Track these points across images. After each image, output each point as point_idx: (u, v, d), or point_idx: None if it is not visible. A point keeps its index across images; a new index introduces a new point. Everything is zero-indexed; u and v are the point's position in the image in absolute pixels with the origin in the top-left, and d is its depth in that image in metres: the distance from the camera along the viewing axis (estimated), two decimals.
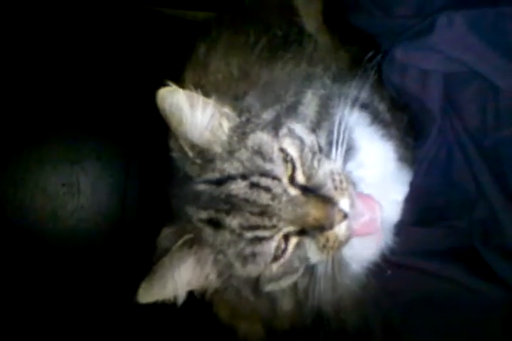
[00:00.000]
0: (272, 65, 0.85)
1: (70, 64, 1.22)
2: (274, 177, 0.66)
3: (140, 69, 1.28)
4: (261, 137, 0.68)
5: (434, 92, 0.78)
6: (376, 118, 0.82)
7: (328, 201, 0.66)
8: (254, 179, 0.65)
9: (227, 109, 0.70)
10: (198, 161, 0.69)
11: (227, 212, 0.67)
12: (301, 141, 0.69)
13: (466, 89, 0.76)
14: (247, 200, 0.66)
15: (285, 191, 0.66)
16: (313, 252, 0.69)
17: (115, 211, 1.28)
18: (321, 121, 0.72)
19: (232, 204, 0.66)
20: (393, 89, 0.84)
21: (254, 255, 0.67)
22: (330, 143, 0.70)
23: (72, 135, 1.25)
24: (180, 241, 0.69)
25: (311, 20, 1.00)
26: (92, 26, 1.25)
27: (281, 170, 0.67)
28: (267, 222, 0.66)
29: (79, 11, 1.25)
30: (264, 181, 0.65)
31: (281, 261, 0.68)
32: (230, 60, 0.88)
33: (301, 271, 0.70)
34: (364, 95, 0.83)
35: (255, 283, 0.70)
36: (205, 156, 0.69)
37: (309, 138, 0.70)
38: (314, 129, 0.71)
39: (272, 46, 0.91)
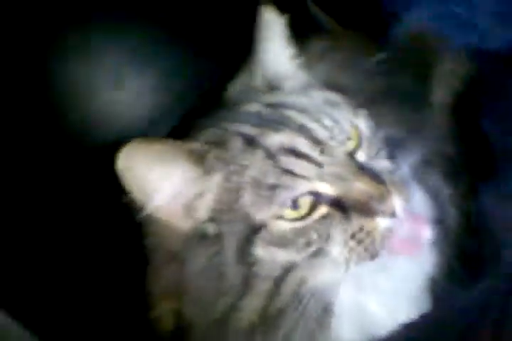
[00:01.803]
0: None
1: None
2: (339, 127, 0.60)
3: None
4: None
5: None
6: None
7: (382, 183, 0.57)
8: (320, 117, 0.60)
9: None
10: (264, 88, 0.66)
11: (275, 130, 0.58)
12: (374, 130, 0.64)
13: None
14: (303, 128, 0.58)
15: (344, 144, 0.59)
16: (338, 235, 0.57)
17: None
18: None
19: (286, 125, 0.58)
20: None
21: (273, 188, 0.55)
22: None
23: None
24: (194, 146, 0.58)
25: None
26: None
27: (347, 126, 0.61)
28: (314, 153, 0.57)
29: None
30: (329, 123, 0.59)
31: (301, 223, 0.56)
32: None
33: (312, 248, 0.56)
34: None
35: (247, 240, 0.56)
36: (271, 86, 0.66)
37: (379, 137, 0.65)
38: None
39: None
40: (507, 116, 0.80)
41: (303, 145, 0.57)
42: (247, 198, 0.56)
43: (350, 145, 0.60)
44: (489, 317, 0.59)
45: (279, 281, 0.57)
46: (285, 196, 0.55)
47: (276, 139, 0.57)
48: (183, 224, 0.58)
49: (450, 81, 0.89)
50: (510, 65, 0.83)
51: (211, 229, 0.57)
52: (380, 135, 0.64)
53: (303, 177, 0.56)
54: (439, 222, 0.68)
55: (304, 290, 0.57)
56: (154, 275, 0.63)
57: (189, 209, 0.58)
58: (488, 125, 0.79)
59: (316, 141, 0.57)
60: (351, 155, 0.60)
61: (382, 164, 0.62)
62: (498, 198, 0.70)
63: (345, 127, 0.60)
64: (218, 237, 0.57)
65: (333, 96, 0.64)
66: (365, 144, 0.62)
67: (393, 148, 0.65)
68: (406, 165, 0.63)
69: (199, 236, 0.58)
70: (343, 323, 0.62)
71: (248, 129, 0.59)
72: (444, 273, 0.69)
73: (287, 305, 0.58)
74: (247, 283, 0.57)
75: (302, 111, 0.60)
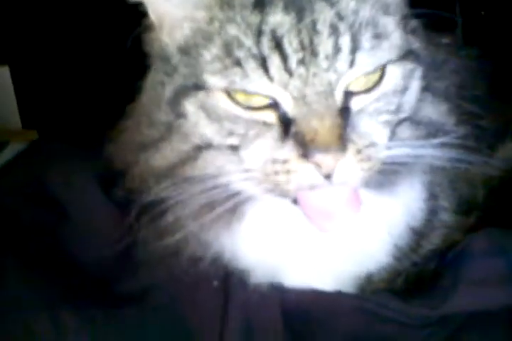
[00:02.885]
0: None
1: None
2: (356, 57, 0.51)
3: None
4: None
5: None
6: None
7: (342, 141, 0.49)
8: (344, 34, 0.50)
9: None
10: None
11: (285, 10, 0.50)
12: (402, 90, 0.55)
13: None
14: (314, 27, 0.50)
15: (341, 75, 0.51)
16: (262, 149, 0.52)
17: None
18: None
19: (301, 13, 0.50)
20: None
21: (235, 64, 0.50)
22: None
23: None
24: None
25: None
26: None
27: (371, 62, 0.52)
28: (293, 56, 0.49)
29: None
30: (346, 44, 0.50)
31: (240, 112, 0.52)
32: None
33: (231, 140, 0.53)
34: None
35: (186, 90, 0.54)
36: None
37: (402, 102, 0.56)
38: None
39: None
40: None
41: (292, 41, 0.49)
42: (211, 53, 0.52)
43: (360, 83, 0.52)
44: None
45: (195, 151, 0.56)
46: (238, 80, 0.50)
47: (277, 19, 0.50)
48: (166, 39, 0.58)
49: None
50: None
51: (175, 59, 0.56)
52: (405, 99, 0.56)
53: (267, 74, 0.50)
54: (416, 232, 0.66)
55: (215, 176, 0.55)
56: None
57: (173, 26, 0.56)
58: None
59: (309, 50, 0.50)
60: (350, 93, 0.52)
61: (372, 129, 0.53)
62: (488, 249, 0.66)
63: (366, 60, 0.51)
64: (173, 70, 0.56)
65: (391, 28, 0.53)
66: (375, 93, 0.54)
67: (418, 128, 0.60)
68: (415, 157, 0.57)
69: (164, 56, 0.57)
70: (251, 246, 0.63)
71: None
72: (386, 279, 0.67)
73: (194, 177, 0.57)
74: (169, 130, 0.57)
75: (334, 11, 0.50)
